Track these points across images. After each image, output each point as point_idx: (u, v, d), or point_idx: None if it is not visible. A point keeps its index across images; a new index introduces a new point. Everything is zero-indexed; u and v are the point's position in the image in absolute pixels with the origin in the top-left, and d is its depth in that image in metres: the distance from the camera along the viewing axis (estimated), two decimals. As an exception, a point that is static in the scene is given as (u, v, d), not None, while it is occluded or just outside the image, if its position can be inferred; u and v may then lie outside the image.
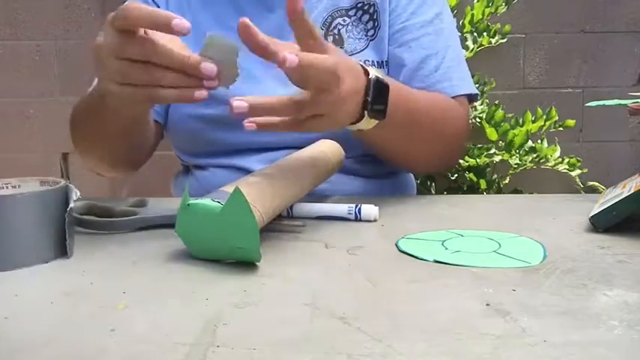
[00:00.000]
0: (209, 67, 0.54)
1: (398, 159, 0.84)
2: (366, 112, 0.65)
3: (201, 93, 0.55)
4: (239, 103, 0.57)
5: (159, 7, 0.86)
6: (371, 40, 0.85)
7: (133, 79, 0.55)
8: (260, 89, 0.80)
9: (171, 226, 0.62)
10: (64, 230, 0.53)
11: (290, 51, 0.54)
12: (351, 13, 0.85)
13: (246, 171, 0.83)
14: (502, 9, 1.61)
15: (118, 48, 0.53)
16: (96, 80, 0.84)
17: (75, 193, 0.53)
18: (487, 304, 0.40)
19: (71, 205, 0.52)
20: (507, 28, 1.65)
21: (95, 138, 0.78)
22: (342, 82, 0.59)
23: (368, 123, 0.67)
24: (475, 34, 1.62)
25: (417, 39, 0.84)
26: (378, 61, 0.85)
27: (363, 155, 0.85)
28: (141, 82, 0.55)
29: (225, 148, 0.84)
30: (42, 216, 0.51)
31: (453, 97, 0.84)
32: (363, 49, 0.84)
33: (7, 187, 0.57)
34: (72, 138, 0.84)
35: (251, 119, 0.59)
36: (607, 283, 0.45)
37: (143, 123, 0.77)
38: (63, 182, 0.55)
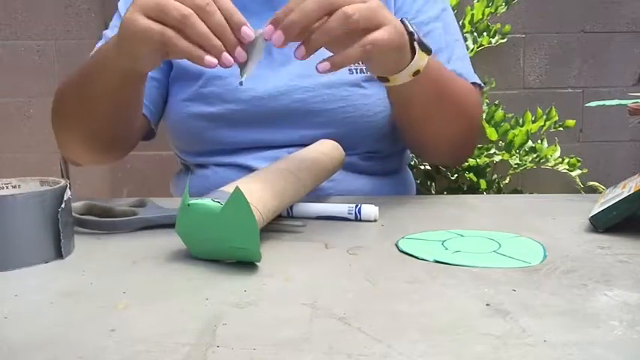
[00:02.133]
0: (248, 32, 0.55)
1: (420, 130, 0.81)
2: (416, 44, 0.64)
3: (211, 61, 0.56)
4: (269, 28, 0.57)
5: None
6: None
7: (170, 17, 0.55)
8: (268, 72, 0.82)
9: (172, 226, 0.62)
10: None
11: None
12: None
13: (248, 169, 0.83)
14: (502, 9, 1.61)
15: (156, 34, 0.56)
16: (95, 48, 0.84)
17: (66, 193, 0.53)
18: (487, 304, 0.40)
19: (62, 205, 0.52)
20: (507, 28, 1.65)
21: (82, 110, 0.77)
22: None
23: (420, 58, 0.66)
24: (475, 34, 1.62)
25: (426, 35, 0.84)
26: None
27: (365, 152, 0.85)
28: (176, 23, 0.55)
29: (228, 146, 0.85)
30: (42, 216, 0.51)
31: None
32: None
33: (7, 187, 0.57)
34: (55, 116, 0.82)
35: (325, 60, 0.58)
36: (607, 283, 0.45)
37: (137, 94, 0.75)
38: (63, 182, 0.55)
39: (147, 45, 0.59)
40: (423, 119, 0.78)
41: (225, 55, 0.56)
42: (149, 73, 0.74)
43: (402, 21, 0.64)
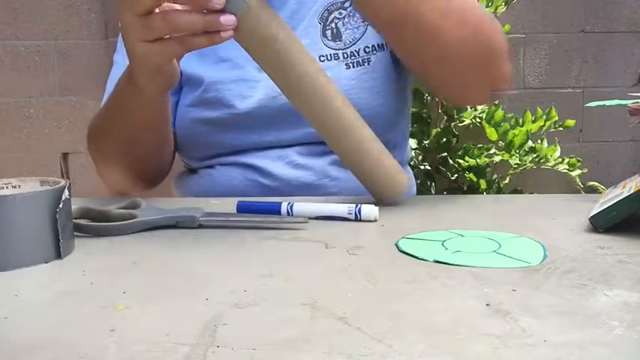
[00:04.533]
0: (228, 18, 0.57)
1: (433, 45, 0.71)
2: None
3: (227, 32, 0.58)
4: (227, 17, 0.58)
5: None
6: (369, 24, 0.85)
7: (157, 30, 0.58)
8: (240, 74, 0.83)
9: (172, 226, 0.62)
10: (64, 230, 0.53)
11: None
12: (346, 5, 0.85)
13: (253, 167, 0.83)
14: (502, 9, 1.61)
15: (135, 4, 0.57)
16: (109, 77, 0.85)
17: (64, 194, 0.53)
18: (487, 304, 0.40)
19: (60, 205, 0.52)
20: (507, 28, 1.65)
21: (119, 140, 0.79)
22: None
23: None
24: (475, 34, 1.62)
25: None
26: (378, 44, 0.85)
27: None
28: (165, 31, 0.58)
29: (232, 149, 0.85)
30: (42, 216, 0.51)
31: None
32: (362, 36, 0.84)
33: (7, 187, 0.57)
34: (92, 153, 0.84)
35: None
36: (607, 283, 0.45)
37: (166, 109, 0.78)
38: (63, 182, 0.55)
39: (162, 71, 0.64)
40: (428, 32, 0.69)
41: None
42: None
43: None
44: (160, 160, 0.86)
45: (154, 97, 0.70)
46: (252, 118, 0.82)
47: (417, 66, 0.78)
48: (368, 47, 0.84)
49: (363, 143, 0.67)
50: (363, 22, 0.85)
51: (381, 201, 0.71)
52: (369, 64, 0.83)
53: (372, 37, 0.84)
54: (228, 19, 0.57)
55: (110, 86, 0.83)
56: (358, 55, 0.83)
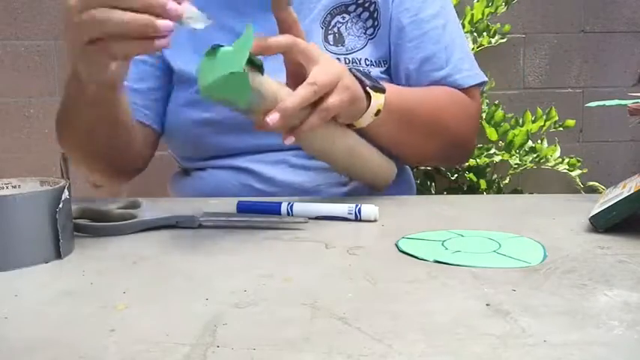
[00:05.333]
0: (175, 7, 0.53)
1: (399, 152, 0.84)
2: (369, 89, 0.69)
3: (162, 41, 0.54)
4: (273, 116, 0.60)
5: None
6: (370, 39, 0.85)
7: (85, 29, 0.54)
8: None
9: (171, 226, 0.62)
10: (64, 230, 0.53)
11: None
12: (350, 9, 0.85)
13: (247, 171, 0.82)
14: (502, 9, 1.61)
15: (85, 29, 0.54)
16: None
17: (64, 194, 0.53)
18: (487, 304, 0.40)
19: (60, 205, 0.52)
20: (507, 28, 1.65)
21: (77, 133, 0.77)
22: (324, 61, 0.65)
23: (376, 99, 0.70)
24: (475, 34, 1.62)
25: (426, 33, 0.84)
26: (376, 60, 0.85)
27: None
28: (99, 32, 0.54)
29: (227, 151, 0.84)
30: (42, 216, 0.51)
31: (465, 89, 0.85)
32: (362, 48, 0.84)
33: (7, 187, 0.57)
34: (61, 145, 0.83)
35: (289, 135, 0.64)
36: (607, 283, 0.45)
37: (118, 106, 0.74)
38: (63, 182, 0.55)
39: (99, 70, 0.61)
40: (395, 145, 0.81)
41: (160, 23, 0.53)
42: (147, 84, 0.75)
43: (350, 71, 0.69)
44: (125, 155, 0.83)
45: (98, 95, 0.67)
46: (246, 120, 0.82)
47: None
48: (368, 60, 0.84)
49: (355, 149, 0.74)
50: (364, 33, 0.85)
51: (376, 188, 0.80)
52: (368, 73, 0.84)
53: (371, 52, 0.85)
54: (166, 24, 0.53)
55: None
56: (359, 63, 0.83)
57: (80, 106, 0.71)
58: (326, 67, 0.64)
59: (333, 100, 0.64)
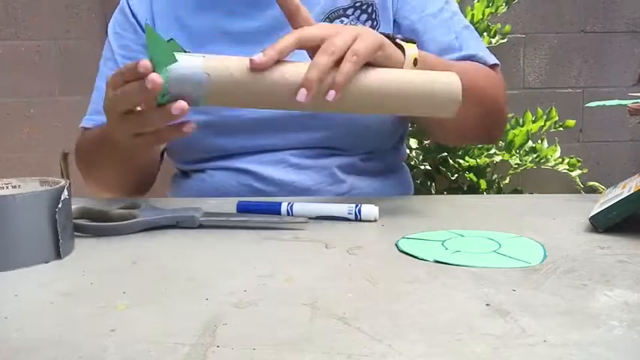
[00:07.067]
0: (177, 106, 0.58)
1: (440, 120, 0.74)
2: (398, 40, 0.67)
3: (189, 126, 0.62)
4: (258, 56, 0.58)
5: (139, 21, 0.87)
6: None
7: (136, 127, 0.62)
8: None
9: (171, 226, 0.62)
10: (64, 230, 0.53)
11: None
12: (349, 12, 0.85)
13: (246, 172, 0.82)
14: (502, 9, 1.61)
15: (113, 103, 0.61)
16: (95, 88, 0.88)
17: (63, 194, 0.53)
18: (487, 304, 0.40)
19: (59, 205, 0.52)
20: (507, 28, 1.65)
21: (103, 166, 0.84)
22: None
23: (409, 47, 0.67)
24: (475, 34, 1.62)
25: (436, 27, 0.84)
26: None
27: (365, 153, 0.85)
28: (141, 128, 0.62)
29: (223, 153, 0.84)
30: (42, 216, 0.51)
31: (489, 66, 0.85)
32: None
33: (7, 187, 0.57)
34: (81, 168, 0.89)
35: (330, 89, 0.59)
36: (607, 283, 0.45)
37: (149, 154, 0.84)
38: (63, 182, 0.55)
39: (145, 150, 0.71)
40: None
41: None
42: None
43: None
44: (147, 179, 0.91)
45: (132, 153, 0.74)
46: (244, 121, 0.81)
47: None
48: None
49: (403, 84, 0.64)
50: None
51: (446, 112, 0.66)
52: None
53: None
54: (177, 106, 0.58)
55: (96, 96, 0.89)
56: None
57: (113, 156, 0.77)
58: (336, 27, 0.63)
59: (358, 44, 0.61)
